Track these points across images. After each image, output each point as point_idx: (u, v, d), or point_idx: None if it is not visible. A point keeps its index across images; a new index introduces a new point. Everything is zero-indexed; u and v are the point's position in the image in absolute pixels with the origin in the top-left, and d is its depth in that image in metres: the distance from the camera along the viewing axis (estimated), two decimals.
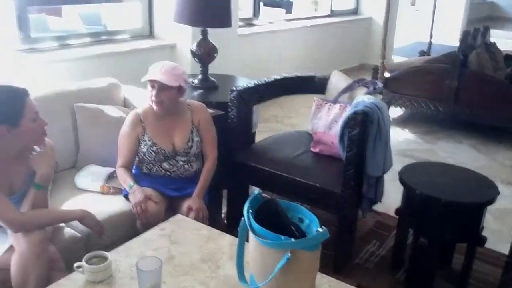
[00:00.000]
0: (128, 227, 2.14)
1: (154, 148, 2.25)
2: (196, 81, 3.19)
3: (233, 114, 2.60)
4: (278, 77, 2.90)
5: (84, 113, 2.52)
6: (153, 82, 2.19)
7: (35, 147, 1.83)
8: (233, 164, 2.62)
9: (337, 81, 2.84)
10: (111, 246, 1.78)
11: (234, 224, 2.46)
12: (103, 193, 2.29)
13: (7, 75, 2.89)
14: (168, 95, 2.20)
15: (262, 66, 5.04)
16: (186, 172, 2.32)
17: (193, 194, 2.24)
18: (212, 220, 2.24)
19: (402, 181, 2.28)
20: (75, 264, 1.53)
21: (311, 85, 2.96)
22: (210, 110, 2.46)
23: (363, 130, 2.21)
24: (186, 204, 2.19)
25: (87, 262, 1.52)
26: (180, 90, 2.24)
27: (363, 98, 2.36)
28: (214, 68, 3.29)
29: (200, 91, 3.13)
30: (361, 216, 2.66)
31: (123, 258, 1.64)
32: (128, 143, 2.27)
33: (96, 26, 5.32)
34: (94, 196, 2.26)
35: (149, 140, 2.25)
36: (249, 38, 4.97)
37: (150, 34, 4.06)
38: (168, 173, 2.30)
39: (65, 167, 2.48)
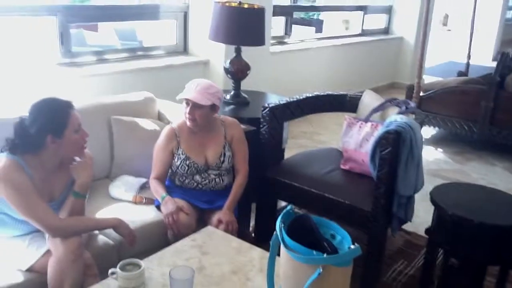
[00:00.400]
0: (159, 237, 2.18)
1: (188, 162, 2.30)
2: (228, 96, 3.25)
3: (265, 130, 2.64)
4: (309, 94, 2.93)
5: (120, 125, 2.61)
6: (187, 100, 2.25)
7: (76, 157, 1.91)
8: (263, 178, 2.65)
9: (369, 100, 2.85)
10: (142, 254, 1.82)
11: (262, 237, 2.49)
12: (135, 203, 2.35)
13: (49, 87, 3.01)
14: (201, 113, 2.26)
15: (293, 83, 5.09)
16: (217, 185, 2.36)
17: (223, 207, 2.27)
18: (240, 233, 2.27)
19: (433, 201, 2.26)
20: (110, 271, 1.58)
21: (343, 103, 2.98)
22: (242, 126, 2.51)
23: (395, 149, 2.21)
24: (216, 217, 2.22)
25: (121, 269, 1.57)
26: (213, 108, 2.30)
27: (395, 117, 2.37)
28: (246, 84, 3.35)
29: (231, 106, 3.19)
30: (390, 235, 2.64)
31: (156, 266, 1.68)
32: (162, 156, 2.33)
33: (131, 42, 5.50)
34: (127, 205, 2.32)
35: (183, 154, 2.31)
36: (281, 56, 5.03)
37: (184, 51, 4.17)
38: (199, 185, 2.34)
39: (99, 176, 2.55)
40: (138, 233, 2.05)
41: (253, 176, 2.47)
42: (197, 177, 2.33)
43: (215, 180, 2.35)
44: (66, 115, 1.83)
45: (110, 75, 3.45)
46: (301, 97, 2.87)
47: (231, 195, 2.30)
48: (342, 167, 2.68)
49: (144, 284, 1.59)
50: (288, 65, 5.18)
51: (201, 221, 2.28)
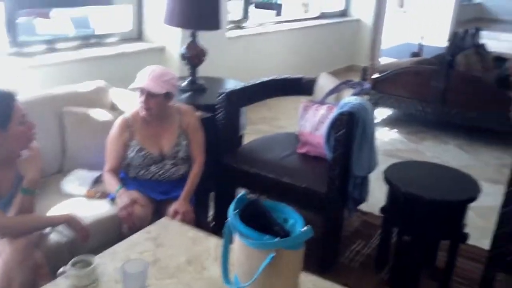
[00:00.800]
0: (114, 231, 2.13)
1: (142, 153, 2.26)
2: (184, 83, 3.20)
3: (221, 116, 2.61)
4: (266, 79, 2.92)
5: (72, 117, 2.52)
6: (141, 89, 2.20)
7: (23, 151, 1.83)
8: (220, 166, 2.64)
9: (325, 82, 2.87)
10: (96, 250, 1.77)
11: (221, 226, 2.49)
12: (88, 198, 2.29)
13: None
14: (155, 102, 2.21)
15: (252, 68, 5.06)
16: (173, 175, 2.33)
17: (179, 197, 2.25)
18: (199, 223, 2.25)
19: (387, 179, 2.31)
20: (60, 270, 1.53)
21: (299, 87, 2.98)
22: (198, 113, 2.48)
23: (349, 130, 2.24)
24: (172, 207, 2.20)
25: (72, 266, 1.53)
26: (167, 96, 2.25)
27: (349, 99, 2.39)
28: (204, 70, 3.30)
29: (188, 93, 3.15)
30: (347, 216, 2.69)
31: (109, 261, 1.64)
32: (115, 148, 2.28)
33: (85, 29, 5.32)
34: (80, 200, 2.25)
35: (137, 145, 2.26)
36: (239, 41, 4.99)
37: (139, 37, 4.07)
38: (155, 176, 2.31)
39: (51, 172, 2.46)
40: (92, 228, 2.00)
41: (211, 164, 2.45)
42: (153, 168, 2.30)
43: (170, 170, 2.32)
44: (9, 107, 1.74)
45: (61, 65, 3.33)
46: (257, 82, 2.85)
47: (187, 185, 2.28)
48: (298, 151, 2.69)
49: (97, 281, 1.55)
50: (246, 50, 5.14)
51: (158, 213, 2.24)
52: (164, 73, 2.24)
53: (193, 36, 3.16)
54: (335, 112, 2.35)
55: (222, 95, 2.59)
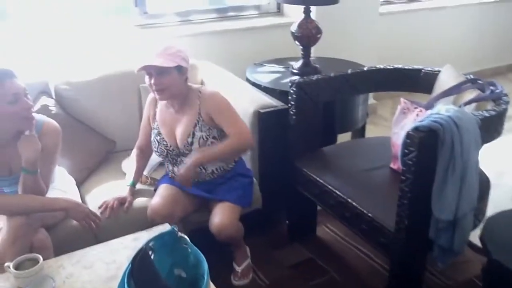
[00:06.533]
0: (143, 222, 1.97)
1: (158, 138, 2.04)
2: (296, 65, 2.82)
3: (293, 110, 2.16)
4: (365, 68, 2.33)
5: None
6: (148, 69, 1.89)
7: (26, 131, 1.76)
8: (289, 168, 2.22)
9: (447, 78, 2.13)
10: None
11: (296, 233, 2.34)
12: (140, 182, 2.18)
13: (125, 50, 2.96)
14: (170, 79, 1.89)
15: (404, 53, 4.20)
16: (200, 175, 2.03)
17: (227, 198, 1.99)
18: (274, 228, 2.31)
19: (482, 240, 1.56)
20: (5, 264, 1.43)
21: (416, 81, 2.29)
22: (271, 101, 2.21)
23: (425, 154, 1.57)
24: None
25: (19, 265, 1.41)
26: (181, 70, 1.93)
27: (443, 107, 1.68)
28: (340, 52, 3.09)
29: (295, 77, 2.75)
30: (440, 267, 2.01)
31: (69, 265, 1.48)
32: (144, 124, 2.14)
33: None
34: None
35: (156, 128, 2.06)
36: (392, 17, 4.20)
37: (278, 11, 3.75)
38: (174, 173, 2.05)
39: (125, 147, 2.44)
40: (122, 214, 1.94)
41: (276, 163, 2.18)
42: (169, 166, 2.07)
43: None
44: None
45: (192, 37, 3.24)
46: (351, 72, 2.28)
47: (209, 148, 1.95)
48: (391, 166, 2.08)
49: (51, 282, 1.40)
50: (401, 29, 4.31)
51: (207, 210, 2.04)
52: (168, 47, 1.90)
53: (306, 12, 2.73)
54: (415, 122, 1.67)
55: (294, 85, 2.13)
